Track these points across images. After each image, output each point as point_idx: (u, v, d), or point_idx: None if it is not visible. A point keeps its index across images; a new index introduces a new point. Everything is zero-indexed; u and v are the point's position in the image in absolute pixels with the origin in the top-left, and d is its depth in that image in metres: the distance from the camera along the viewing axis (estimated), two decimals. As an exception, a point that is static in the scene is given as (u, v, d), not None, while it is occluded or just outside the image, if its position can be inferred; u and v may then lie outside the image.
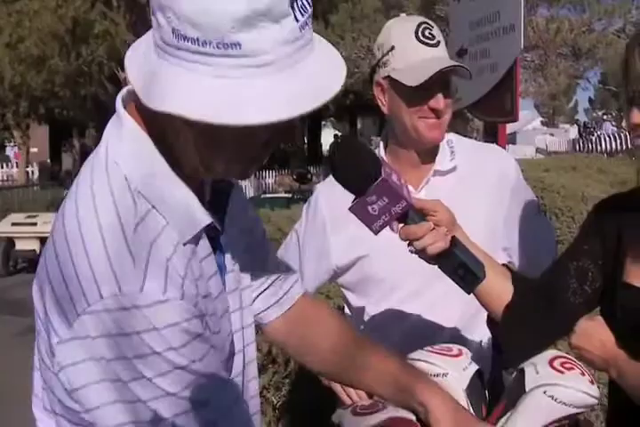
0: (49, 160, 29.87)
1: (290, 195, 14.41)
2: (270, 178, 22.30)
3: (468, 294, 1.43)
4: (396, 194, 1.26)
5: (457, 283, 1.39)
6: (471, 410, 1.39)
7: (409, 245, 1.36)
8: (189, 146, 1.05)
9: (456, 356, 1.47)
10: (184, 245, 1.07)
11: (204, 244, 1.12)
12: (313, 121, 30.05)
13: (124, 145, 1.08)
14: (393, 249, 1.47)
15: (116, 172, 1.06)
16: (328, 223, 1.97)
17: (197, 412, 1.02)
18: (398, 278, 1.91)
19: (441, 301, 1.87)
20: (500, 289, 1.50)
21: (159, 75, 0.98)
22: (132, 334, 0.97)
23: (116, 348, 0.97)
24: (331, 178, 1.98)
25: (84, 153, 27.15)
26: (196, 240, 1.10)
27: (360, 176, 1.25)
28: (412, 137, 1.90)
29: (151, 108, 0.98)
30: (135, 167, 1.06)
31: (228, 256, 1.23)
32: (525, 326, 1.51)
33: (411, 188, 1.82)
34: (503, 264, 1.58)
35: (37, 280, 1.08)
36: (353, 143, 1.32)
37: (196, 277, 1.07)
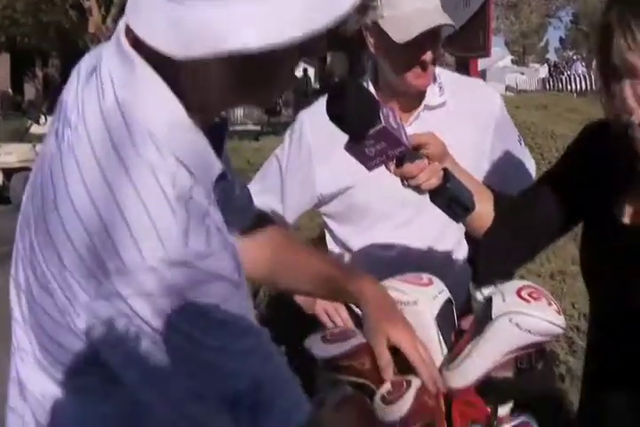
0: (10, 90, 29.20)
1: (259, 127, 14.33)
2: (239, 110, 22.06)
3: (458, 223, 1.49)
4: (395, 139, 1.26)
5: (448, 215, 1.43)
6: (441, 338, 1.41)
7: (403, 181, 1.38)
8: (211, 85, 0.96)
9: (426, 285, 1.47)
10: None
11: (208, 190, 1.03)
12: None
13: (139, 93, 0.95)
14: (382, 179, 1.47)
15: (134, 124, 0.94)
16: (313, 152, 1.97)
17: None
18: (387, 208, 1.92)
19: (429, 231, 1.89)
20: (484, 213, 1.56)
21: (190, 20, 0.88)
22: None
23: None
24: (316, 106, 1.97)
25: (47, 82, 26.59)
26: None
27: (358, 121, 1.24)
28: (399, 84, 1.91)
29: (192, 55, 0.88)
30: (155, 117, 0.95)
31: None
32: (500, 243, 1.57)
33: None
34: (487, 186, 1.62)
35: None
36: (352, 86, 1.28)
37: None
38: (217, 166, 1.00)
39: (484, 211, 1.56)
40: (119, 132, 0.93)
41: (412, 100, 1.96)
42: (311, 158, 1.97)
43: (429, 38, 1.84)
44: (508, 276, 1.64)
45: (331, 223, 2.06)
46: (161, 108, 0.95)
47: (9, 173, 11.21)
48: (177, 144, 0.95)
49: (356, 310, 1.56)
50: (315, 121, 1.92)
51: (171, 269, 0.89)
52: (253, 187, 1.92)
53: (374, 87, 1.99)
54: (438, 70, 2.00)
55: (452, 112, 1.97)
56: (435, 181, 1.38)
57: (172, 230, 0.90)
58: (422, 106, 1.96)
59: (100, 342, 0.94)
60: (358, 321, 1.56)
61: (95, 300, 0.91)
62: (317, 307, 1.92)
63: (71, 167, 0.94)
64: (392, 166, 1.35)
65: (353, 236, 2.01)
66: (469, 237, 1.65)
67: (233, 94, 1.00)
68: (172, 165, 0.93)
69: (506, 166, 1.99)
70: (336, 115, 1.25)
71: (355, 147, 1.27)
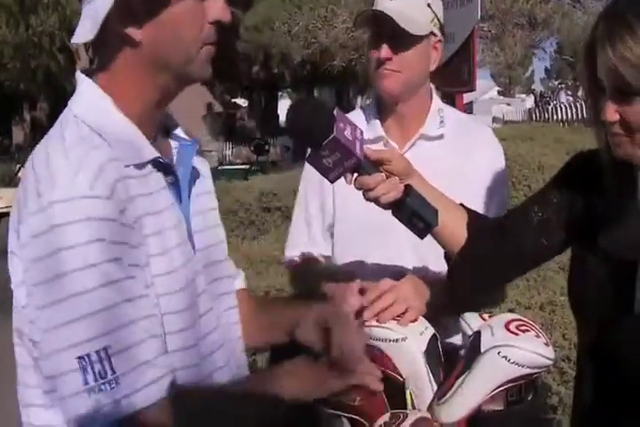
0: (-2, 134, 29.29)
1: (247, 166, 14.37)
2: (227, 150, 22.17)
3: (421, 239, 1.49)
4: (347, 150, 1.32)
5: (410, 229, 1.46)
6: (430, 373, 1.42)
7: (364, 194, 1.42)
8: (137, 73, 1.22)
9: (412, 322, 1.49)
10: (126, 167, 1.19)
11: (155, 178, 1.24)
12: (269, 92, 29.82)
13: (77, 95, 1.24)
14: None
15: (68, 114, 1.22)
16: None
17: None
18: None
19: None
20: (454, 230, 1.58)
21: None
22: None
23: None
24: None
25: (35, 126, 26.65)
26: (141, 170, 1.22)
27: (312, 132, 1.31)
28: (377, 92, 1.99)
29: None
30: (85, 108, 1.22)
31: (201, 215, 1.34)
32: (475, 265, 1.59)
33: (395, 144, 1.96)
34: (460, 204, 1.63)
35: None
36: (307, 101, 1.38)
37: (132, 196, 1.18)
38: (148, 151, 1.23)
39: (456, 229, 1.58)
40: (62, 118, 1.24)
41: (413, 127, 1.99)
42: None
43: (387, 32, 1.89)
44: (479, 293, 1.66)
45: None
46: (88, 100, 1.23)
47: (-2, 217, 11.17)
48: (98, 123, 1.20)
49: None
50: None
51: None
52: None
53: (379, 116, 2.03)
54: (444, 105, 2.06)
55: (448, 146, 1.99)
56: (393, 195, 1.41)
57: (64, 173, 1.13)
58: (419, 134, 1.98)
59: None
60: None
61: None
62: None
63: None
64: (350, 178, 1.39)
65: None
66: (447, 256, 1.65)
67: (151, 71, 1.22)
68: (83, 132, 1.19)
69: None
70: (294, 130, 1.35)
71: (314, 158, 1.33)
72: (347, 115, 1.39)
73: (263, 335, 1.50)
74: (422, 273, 1.86)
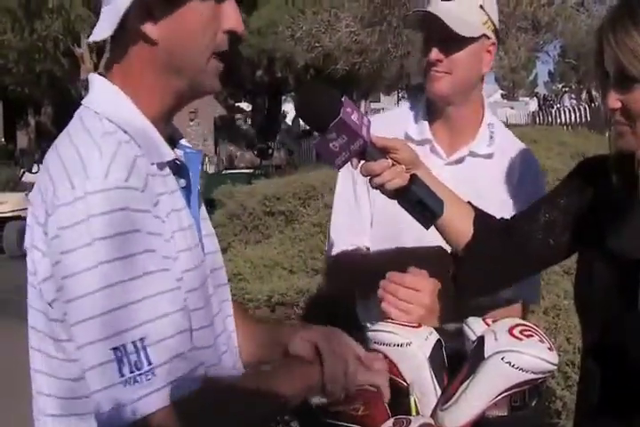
0: (3, 139, 29.30)
1: (251, 170, 14.37)
2: (232, 154, 22.17)
3: (427, 229, 1.50)
4: (354, 132, 1.33)
5: (415, 218, 1.46)
6: (434, 378, 1.42)
7: (370, 180, 1.43)
8: (153, 75, 1.22)
9: (416, 326, 1.49)
10: (152, 165, 1.19)
11: (172, 180, 1.23)
12: (273, 96, 29.85)
13: (94, 94, 1.23)
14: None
15: (87, 112, 1.21)
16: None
17: None
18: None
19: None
20: (460, 225, 1.58)
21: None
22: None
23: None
24: None
25: (40, 131, 26.68)
26: (162, 170, 1.22)
27: (319, 114, 1.33)
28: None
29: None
30: (106, 106, 1.21)
31: (204, 221, 1.34)
32: (481, 265, 1.58)
33: (441, 150, 1.93)
34: (468, 202, 1.63)
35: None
36: (315, 85, 1.41)
37: (160, 192, 1.19)
38: (167, 152, 1.23)
39: (459, 222, 1.57)
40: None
41: (462, 136, 1.95)
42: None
43: (438, 35, 1.86)
44: (486, 294, 1.66)
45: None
46: (108, 100, 1.22)
47: (2, 222, 11.06)
48: (121, 119, 1.19)
49: None
50: None
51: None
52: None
53: (428, 117, 1.98)
54: (495, 120, 2.02)
55: (495, 168, 1.94)
56: (398, 182, 1.42)
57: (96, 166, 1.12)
58: (467, 151, 1.94)
59: None
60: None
61: None
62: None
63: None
64: (355, 162, 1.39)
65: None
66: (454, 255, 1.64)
67: (173, 77, 1.22)
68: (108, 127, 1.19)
69: None
70: (302, 112, 1.36)
71: (321, 142, 1.35)
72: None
73: (259, 351, 1.47)
74: None
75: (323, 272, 2.08)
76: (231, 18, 1.24)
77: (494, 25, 1.93)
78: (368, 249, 2.01)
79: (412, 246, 1.90)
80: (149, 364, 1.08)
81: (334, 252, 2.03)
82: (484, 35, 1.90)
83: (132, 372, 1.07)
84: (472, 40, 1.87)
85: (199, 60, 1.23)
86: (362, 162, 1.40)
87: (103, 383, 1.08)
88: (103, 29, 1.20)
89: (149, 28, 1.19)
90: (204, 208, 1.39)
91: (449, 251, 1.67)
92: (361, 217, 2.00)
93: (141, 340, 1.08)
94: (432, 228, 1.53)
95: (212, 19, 1.22)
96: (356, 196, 2.00)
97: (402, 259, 1.86)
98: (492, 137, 1.96)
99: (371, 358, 1.35)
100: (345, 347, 1.32)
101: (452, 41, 1.87)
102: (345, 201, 2.03)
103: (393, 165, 1.42)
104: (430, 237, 1.69)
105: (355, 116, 1.35)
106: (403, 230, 1.88)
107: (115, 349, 1.07)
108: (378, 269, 1.70)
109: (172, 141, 1.33)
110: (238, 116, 31.35)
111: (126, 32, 1.20)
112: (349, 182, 2.01)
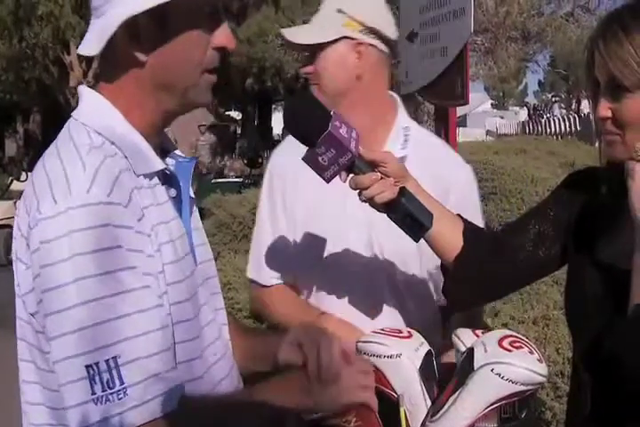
0: (-9, 147, 29.21)
1: (241, 179, 14.35)
2: (221, 162, 22.15)
3: (416, 242, 1.50)
4: (342, 146, 1.34)
5: (405, 231, 1.46)
6: (424, 390, 1.41)
7: (359, 194, 1.43)
8: (142, 92, 1.22)
9: (407, 337, 1.48)
10: (138, 176, 1.20)
11: (161, 190, 1.23)
12: (264, 105, 29.86)
13: (84, 106, 1.24)
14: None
15: (75, 123, 1.23)
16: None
17: None
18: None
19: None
20: (450, 238, 1.58)
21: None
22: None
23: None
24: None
25: (28, 139, 26.57)
26: (150, 181, 1.22)
27: (308, 128, 1.33)
28: None
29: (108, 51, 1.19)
30: (94, 118, 1.22)
31: (197, 231, 1.34)
32: (472, 278, 1.58)
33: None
34: (457, 214, 1.62)
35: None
36: (304, 97, 1.41)
37: (146, 205, 1.18)
38: (156, 162, 1.23)
39: (451, 237, 1.58)
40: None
41: (369, 142, 1.91)
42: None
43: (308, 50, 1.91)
44: (476, 306, 1.65)
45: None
46: (99, 114, 1.22)
47: (-9, 230, 11.07)
48: (110, 133, 1.20)
49: None
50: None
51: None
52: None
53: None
54: (412, 123, 1.97)
55: (410, 169, 1.83)
56: (387, 195, 1.42)
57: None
58: None
59: None
60: None
61: None
62: None
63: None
64: (344, 176, 1.40)
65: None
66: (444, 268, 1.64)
67: (163, 90, 1.22)
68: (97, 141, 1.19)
69: None
70: (290, 125, 1.36)
71: (310, 156, 1.35)
72: None
73: (250, 365, 1.46)
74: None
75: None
76: (221, 34, 1.24)
77: (362, 24, 1.86)
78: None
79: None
80: (122, 383, 1.07)
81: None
82: (346, 36, 1.86)
83: (103, 390, 1.07)
84: (328, 44, 1.86)
85: (190, 78, 1.23)
86: (350, 175, 1.40)
87: (75, 400, 1.08)
88: (91, 45, 1.20)
89: (138, 52, 1.19)
90: (197, 217, 1.39)
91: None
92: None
93: (114, 358, 1.07)
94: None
95: (201, 43, 1.22)
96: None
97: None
98: (406, 140, 1.91)
99: (351, 353, 1.34)
100: (326, 337, 1.32)
101: (310, 50, 1.90)
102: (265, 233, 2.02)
103: (382, 178, 1.42)
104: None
105: (343, 130, 1.35)
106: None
107: (88, 366, 1.07)
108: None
109: (164, 151, 1.33)
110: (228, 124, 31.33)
111: (115, 52, 1.20)
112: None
